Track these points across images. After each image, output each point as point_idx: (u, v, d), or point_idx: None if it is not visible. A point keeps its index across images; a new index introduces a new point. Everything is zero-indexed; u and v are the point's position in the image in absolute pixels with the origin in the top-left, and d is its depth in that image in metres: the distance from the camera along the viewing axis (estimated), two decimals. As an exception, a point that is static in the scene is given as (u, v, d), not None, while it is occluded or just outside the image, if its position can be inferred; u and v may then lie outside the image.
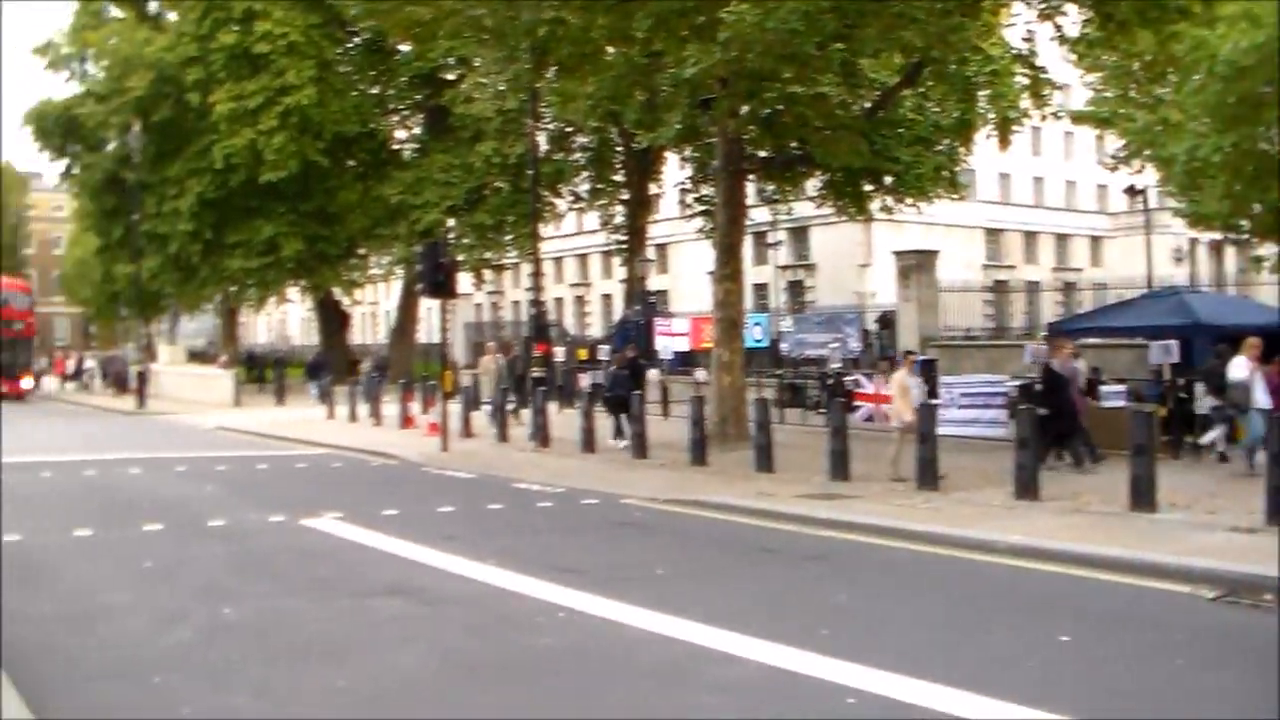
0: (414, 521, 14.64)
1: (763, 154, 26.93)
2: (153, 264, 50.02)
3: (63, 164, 56.29)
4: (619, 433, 23.76)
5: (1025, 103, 28.33)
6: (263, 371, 57.06)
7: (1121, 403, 19.79)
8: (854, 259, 59.96)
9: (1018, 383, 21.62)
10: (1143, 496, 13.78)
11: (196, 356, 67.55)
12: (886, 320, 33.83)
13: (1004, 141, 31.29)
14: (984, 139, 34.19)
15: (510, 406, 27.44)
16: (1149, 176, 35.95)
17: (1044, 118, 30.23)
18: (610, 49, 23.62)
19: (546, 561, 11.71)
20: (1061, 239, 74.81)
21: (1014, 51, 27.41)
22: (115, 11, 55.34)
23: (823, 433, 19.73)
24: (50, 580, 11.14)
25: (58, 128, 53.16)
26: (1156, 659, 8.23)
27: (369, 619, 9.46)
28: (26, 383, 50.48)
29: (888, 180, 35.28)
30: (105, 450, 24.79)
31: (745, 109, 22.80)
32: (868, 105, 26.37)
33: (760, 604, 10.10)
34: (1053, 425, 17.96)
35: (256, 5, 44.68)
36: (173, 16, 52.02)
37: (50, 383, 61.16)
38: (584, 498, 17.02)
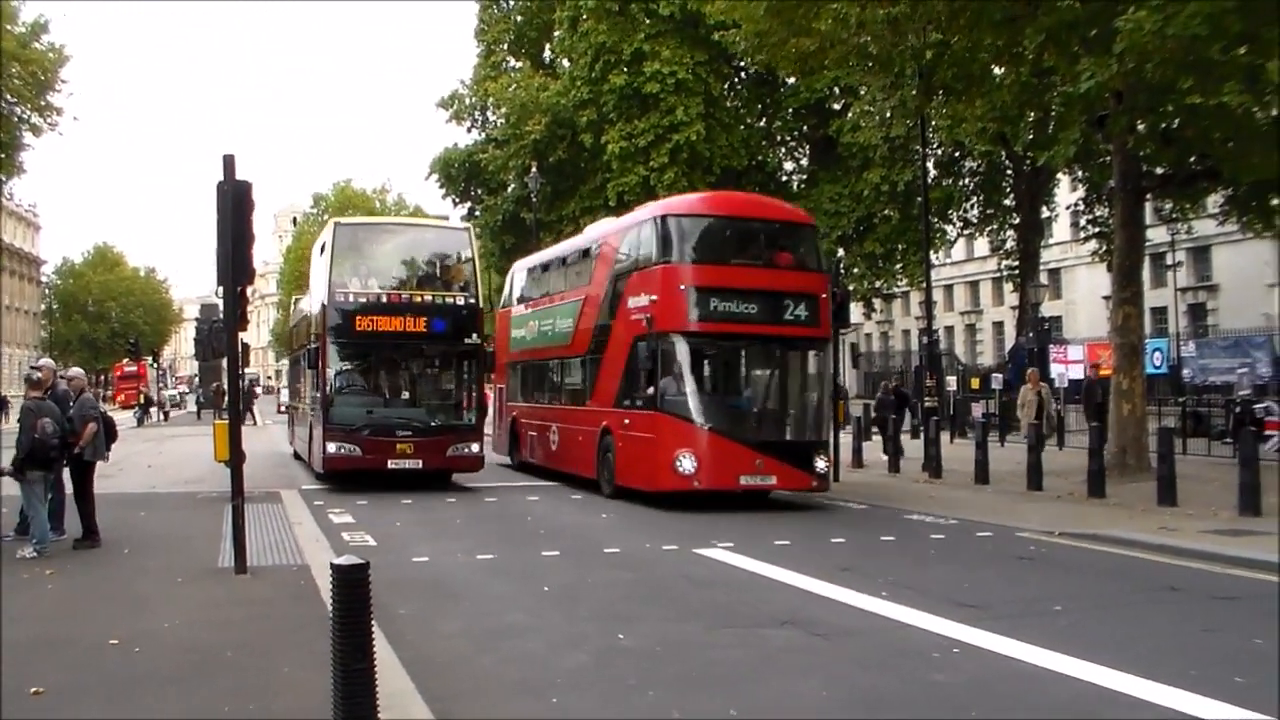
0: (806, 552, 14.56)
1: (1161, 170, 25.70)
2: (549, 301, 51.95)
3: (465, 207, 59.45)
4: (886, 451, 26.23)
5: None
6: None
7: None
8: (1262, 278, 56.05)
9: None
10: None
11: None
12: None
13: None
14: None
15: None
16: None
17: None
18: (998, 69, 23.10)
19: (941, 595, 11.38)
20: None
21: None
22: (513, 62, 58.14)
23: (1230, 464, 18.65)
24: (457, 599, 11.60)
25: (461, 174, 56.25)
26: None
27: (762, 649, 9.37)
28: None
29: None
30: (504, 479, 25.89)
31: (1143, 124, 21.75)
32: (1275, 112, 24.69)
33: (1166, 646, 9.47)
34: None
35: (645, 46, 45.98)
36: (566, 63, 54.21)
37: None
38: (977, 530, 16.59)
